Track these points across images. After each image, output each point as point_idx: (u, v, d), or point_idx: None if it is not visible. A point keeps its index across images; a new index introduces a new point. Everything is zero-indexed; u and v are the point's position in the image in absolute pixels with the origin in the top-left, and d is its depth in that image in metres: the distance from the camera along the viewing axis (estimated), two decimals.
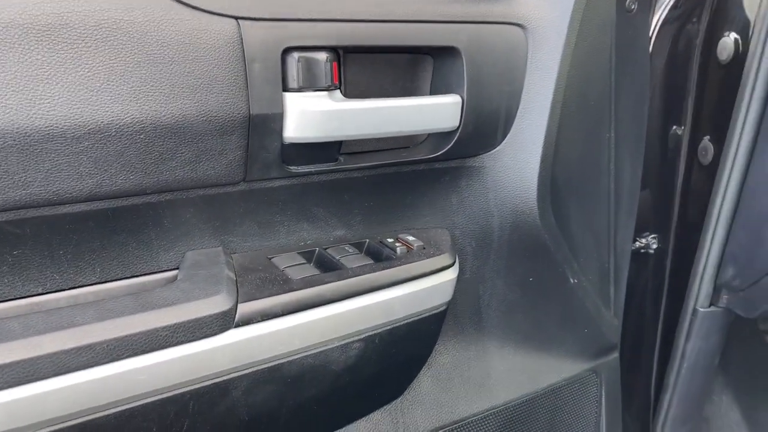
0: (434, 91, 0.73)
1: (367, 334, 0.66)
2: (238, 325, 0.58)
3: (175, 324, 0.54)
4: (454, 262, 0.72)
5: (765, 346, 1.24)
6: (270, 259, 0.66)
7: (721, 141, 0.98)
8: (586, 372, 0.92)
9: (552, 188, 0.77)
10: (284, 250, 0.68)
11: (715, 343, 1.08)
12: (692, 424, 1.16)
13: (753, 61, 0.91)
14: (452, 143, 0.72)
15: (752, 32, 0.91)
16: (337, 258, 0.67)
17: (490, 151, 0.76)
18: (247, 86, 0.58)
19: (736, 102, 0.94)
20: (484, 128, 0.74)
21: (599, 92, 0.82)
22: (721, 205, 0.98)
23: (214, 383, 0.58)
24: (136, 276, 0.61)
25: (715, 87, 1.00)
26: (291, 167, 0.65)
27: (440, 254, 0.71)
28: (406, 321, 0.69)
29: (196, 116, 0.56)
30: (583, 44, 0.76)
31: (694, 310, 1.05)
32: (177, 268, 0.63)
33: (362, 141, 0.71)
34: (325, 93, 0.63)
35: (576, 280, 0.83)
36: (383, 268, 0.66)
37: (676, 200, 1.08)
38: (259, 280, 0.61)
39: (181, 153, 0.57)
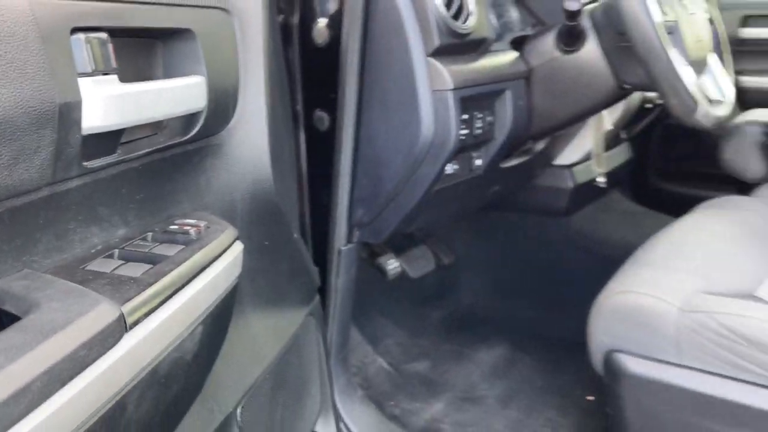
0: (168, 75, 0.73)
1: (204, 316, 0.65)
2: (131, 328, 0.51)
3: (76, 348, 0.45)
4: (238, 234, 0.75)
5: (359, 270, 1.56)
6: (84, 268, 0.57)
7: (333, 110, 1.21)
8: (308, 317, 1.05)
9: None
10: (86, 259, 0.59)
11: (354, 274, 1.34)
12: (346, 348, 1.41)
13: (348, 43, 1.16)
14: (201, 123, 0.74)
15: (343, 19, 1.16)
16: (147, 251, 0.63)
17: (225, 127, 0.80)
18: (49, 71, 0.51)
19: (339, 77, 1.18)
20: (220, 106, 0.78)
21: (278, 69, 0.94)
22: (344, 160, 1.22)
23: (117, 402, 0.50)
24: None
25: (317, 66, 1.22)
26: (86, 163, 0.58)
27: (226, 228, 0.73)
28: (223, 297, 0.69)
29: (14, 107, 0.47)
30: (269, 25, 0.87)
31: (339, 251, 1.28)
32: None
33: (129, 129, 0.67)
34: (114, 77, 0.59)
35: (297, 235, 0.95)
36: (200, 248, 0.65)
37: (303, 164, 1.28)
38: (108, 284, 0.54)
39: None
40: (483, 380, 1.61)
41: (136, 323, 0.52)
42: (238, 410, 0.79)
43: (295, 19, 1.21)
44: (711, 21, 1.40)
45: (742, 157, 1.65)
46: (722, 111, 1.25)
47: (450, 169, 1.25)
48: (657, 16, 1.11)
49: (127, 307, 0.51)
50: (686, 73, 1.13)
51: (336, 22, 1.17)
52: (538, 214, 1.83)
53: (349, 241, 1.29)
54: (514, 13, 1.52)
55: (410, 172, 1.19)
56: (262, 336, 0.89)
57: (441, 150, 1.16)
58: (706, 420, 1.01)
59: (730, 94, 1.34)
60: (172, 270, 0.59)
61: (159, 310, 0.56)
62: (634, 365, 1.07)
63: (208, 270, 0.65)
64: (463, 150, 1.24)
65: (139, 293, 0.53)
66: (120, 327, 0.50)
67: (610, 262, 1.24)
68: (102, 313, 0.48)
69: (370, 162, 1.22)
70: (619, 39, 1.19)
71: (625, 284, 1.12)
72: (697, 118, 1.15)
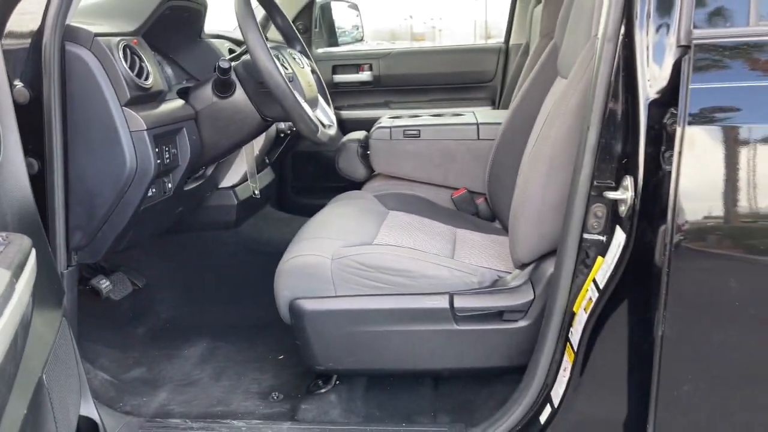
0: None
1: (31, 290, 0.91)
2: (16, 282, 0.78)
3: (4, 290, 0.72)
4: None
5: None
6: None
7: (41, 156, 1.43)
8: (63, 318, 1.26)
9: None
10: None
11: (76, 293, 1.56)
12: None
13: (50, 101, 1.40)
14: None
15: (42, 81, 1.40)
16: None
17: None
18: None
19: (45, 129, 1.41)
20: None
21: None
22: (57, 197, 1.45)
23: (16, 333, 0.76)
24: None
25: (22, 121, 1.42)
26: None
27: (23, 237, 0.98)
28: (35, 282, 0.95)
29: None
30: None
31: (62, 273, 1.50)
32: None
33: None
34: None
35: (50, 249, 1.19)
36: (18, 245, 0.91)
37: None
38: None
39: None
40: (194, 368, 1.93)
41: (16, 281, 0.79)
42: (44, 376, 1.03)
43: None
44: (314, 71, 2.02)
45: (351, 165, 2.32)
46: (332, 131, 1.85)
47: (150, 192, 1.58)
48: (282, 70, 1.64)
49: (11, 271, 0.79)
50: (307, 108, 1.68)
51: (35, 84, 1.40)
52: (213, 229, 2.24)
53: (69, 264, 1.52)
54: (169, 71, 1.92)
55: (119, 197, 1.50)
56: (41, 324, 1.12)
57: (144, 176, 1.50)
58: (359, 326, 1.55)
59: (334, 120, 1.96)
60: (15, 254, 0.86)
61: (20, 278, 0.83)
62: (308, 305, 1.56)
63: (29, 259, 0.92)
64: (158, 176, 1.59)
65: (11, 264, 0.81)
66: (12, 282, 0.77)
67: (275, 255, 1.70)
68: (3, 273, 0.76)
69: (83, 194, 1.48)
70: (259, 86, 1.69)
71: (294, 252, 1.61)
72: (319, 137, 1.71)
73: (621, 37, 1.17)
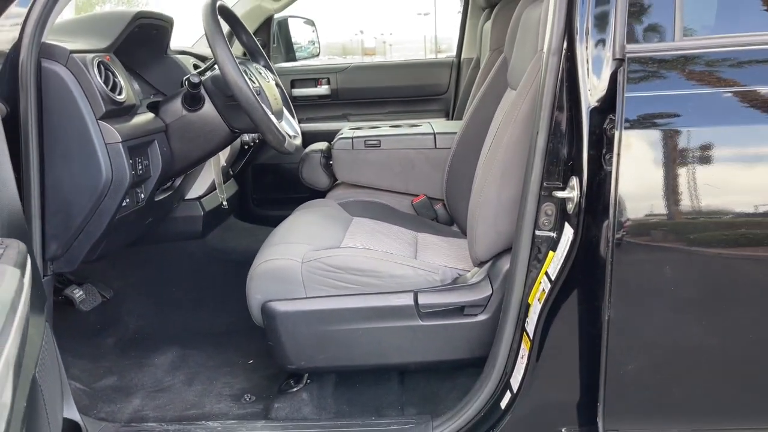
0: None
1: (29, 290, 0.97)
2: (23, 278, 0.84)
3: (18, 283, 0.79)
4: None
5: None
6: None
7: (17, 169, 1.48)
8: (46, 323, 1.31)
9: None
10: None
11: (51, 304, 1.60)
12: None
13: (26, 115, 1.45)
14: None
15: (19, 97, 1.45)
16: None
17: None
18: None
19: (21, 142, 1.46)
20: None
21: None
22: (33, 207, 1.49)
23: (23, 330, 0.83)
24: None
25: None
26: None
27: (19, 242, 1.04)
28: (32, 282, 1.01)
29: None
30: None
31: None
32: None
33: None
34: None
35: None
36: (16, 248, 0.97)
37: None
38: None
39: None
40: (166, 375, 1.98)
41: (22, 278, 0.86)
42: (36, 373, 1.08)
43: None
44: (278, 85, 2.11)
45: (314, 175, 2.41)
46: (298, 141, 1.94)
47: (124, 202, 1.64)
48: (250, 84, 1.72)
49: (19, 269, 0.85)
50: (274, 119, 1.77)
51: (11, 100, 1.45)
52: (180, 239, 2.29)
53: (45, 274, 1.56)
54: (136, 86, 1.98)
55: (96, 207, 1.55)
56: (31, 326, 1.16)
57: (120, 186, 1.56)
58: (329, 325, 1.64)
59: (299, 131, 2.05)
60: (16, 256, 0.92)
61: (24, 276, 0.89)
62: (280, 307, 1.64)
63: (27, 261, 0.98)
64: (132, 186, 1.64)
65: (16, 263, 0.87)
66: (22, 278, 0.84)
67: (241, 264, 1.77)
68: (14, 270, 0.82)
69: (60, 204, 1.53)
70: (228, 99, 1.77)
71: (265, 257, 1.69)
72: (286, 147, 1.80)
73: (564, 51, 1.30)
